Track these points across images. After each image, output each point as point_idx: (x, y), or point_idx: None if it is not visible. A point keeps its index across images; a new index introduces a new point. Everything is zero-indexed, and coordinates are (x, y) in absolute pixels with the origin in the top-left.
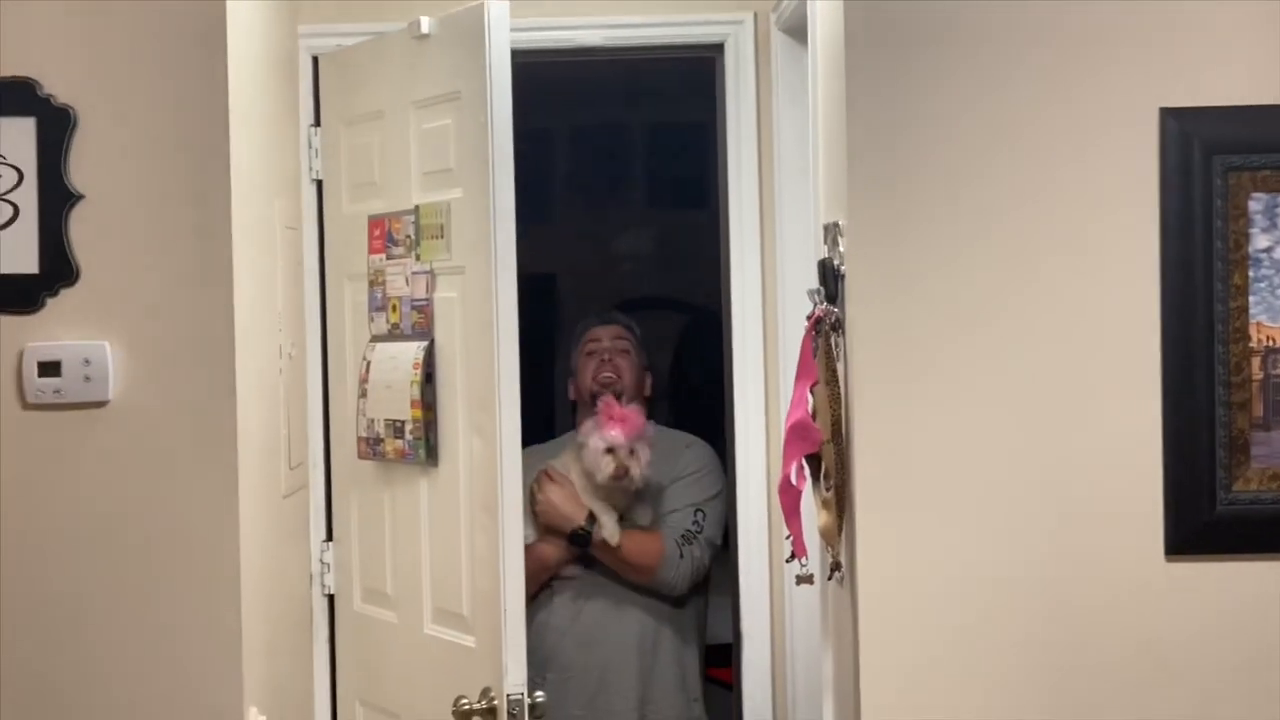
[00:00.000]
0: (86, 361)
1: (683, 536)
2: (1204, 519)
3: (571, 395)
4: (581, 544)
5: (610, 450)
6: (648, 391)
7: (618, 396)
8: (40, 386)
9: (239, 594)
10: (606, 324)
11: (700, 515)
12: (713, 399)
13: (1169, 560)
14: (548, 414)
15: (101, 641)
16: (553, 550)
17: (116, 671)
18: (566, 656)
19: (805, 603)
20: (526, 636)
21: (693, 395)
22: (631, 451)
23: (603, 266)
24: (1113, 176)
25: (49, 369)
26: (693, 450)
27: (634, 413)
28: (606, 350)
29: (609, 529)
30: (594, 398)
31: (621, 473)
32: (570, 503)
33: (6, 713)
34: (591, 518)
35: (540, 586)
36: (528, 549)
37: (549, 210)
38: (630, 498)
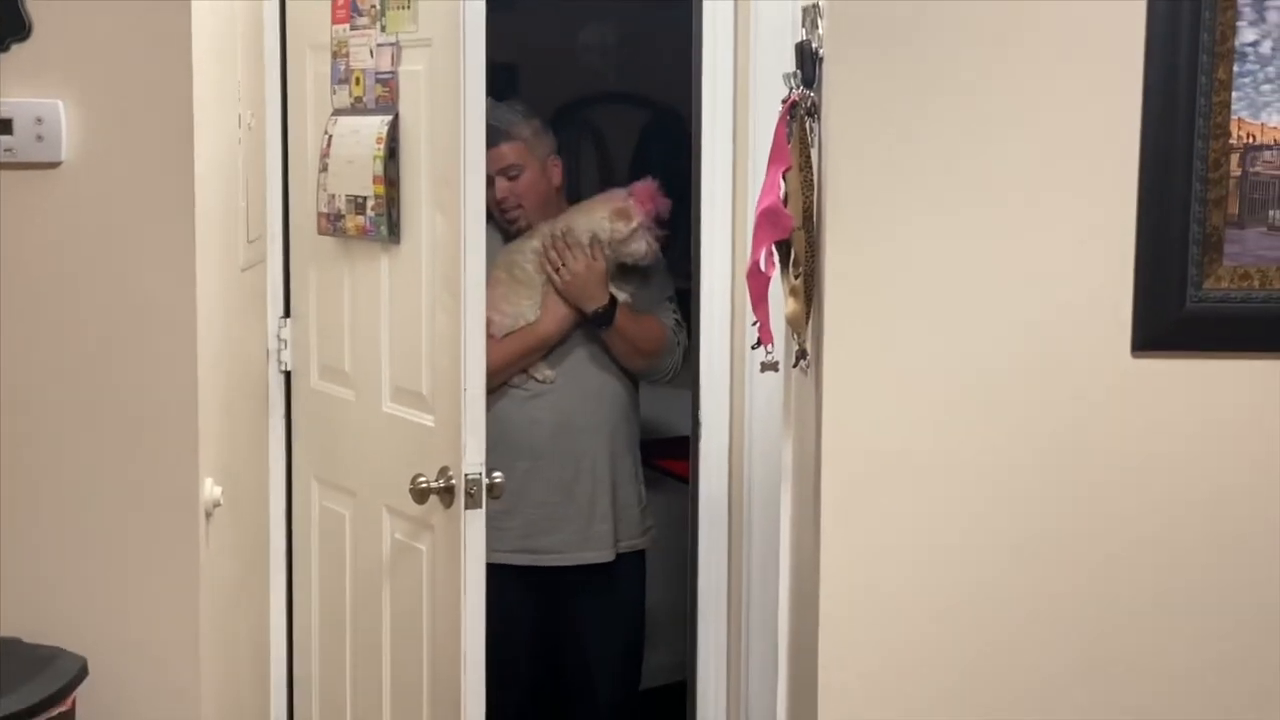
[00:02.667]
0: (39, 120)
1: (675, 324)
2: (1173, 316)
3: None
4: (603, 323)
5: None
6: (557, 180)
7: (519, 222)
8: None
9: (195, 365)
10: (489, 145)
11: (674, 306)
12: (671, 198)
13: (1135, 356)
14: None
15: (54, 412)
16: (556, 329)
17: (70, 442)
18: (541, 445)
19: (764, 393)
20: (499, 427)
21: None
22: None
23: (566, 58)
24: None
25: (1, 126)
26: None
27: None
28: (496, 185)
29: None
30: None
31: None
32: (600, 282)
33: None
34: (613, 300)
35: (515, 374)
36: (528, 327)
37: None
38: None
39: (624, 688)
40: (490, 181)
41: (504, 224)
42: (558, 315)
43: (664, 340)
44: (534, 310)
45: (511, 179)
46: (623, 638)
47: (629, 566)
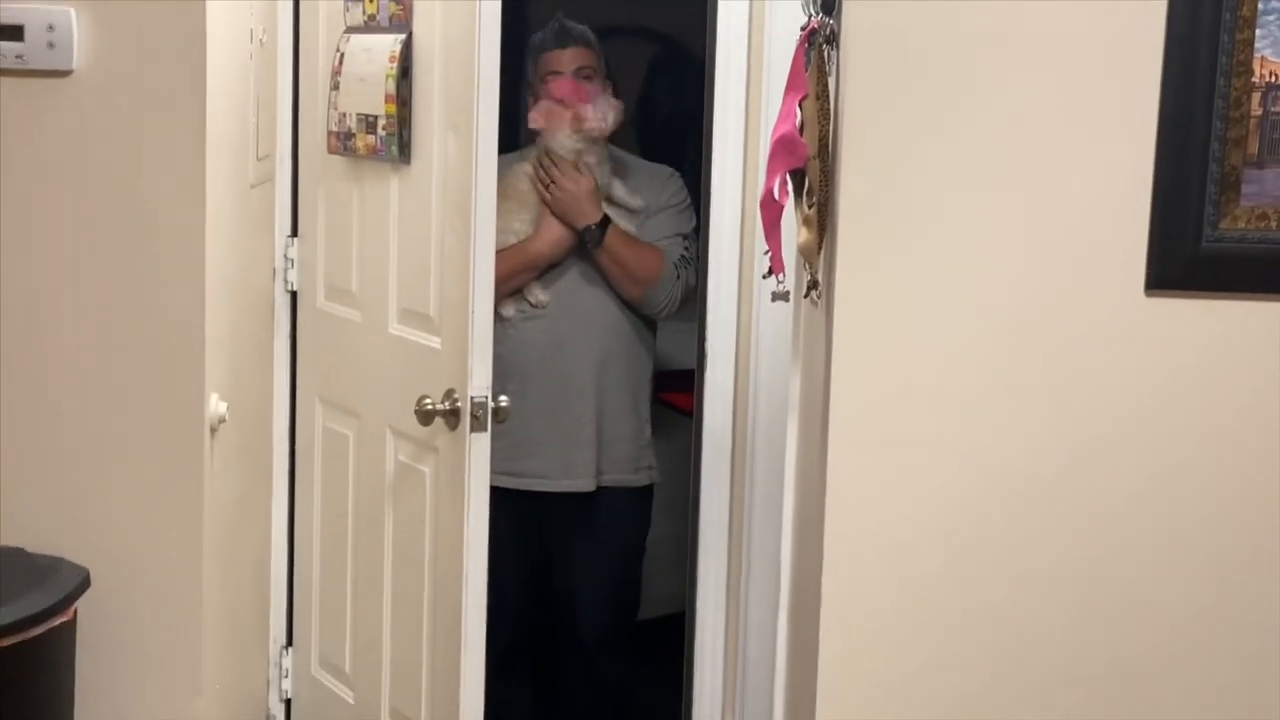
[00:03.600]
0: (50, 27)
1: (679, 260)
2: (1188, 255)
3: (534, 123)
4: (595, 241)
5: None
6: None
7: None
8: (1, 50)
9: (203, 279)
10: (564, 46)
11: (689, 244)
12: (675, 133)
13: (1149, 295)
14: (511, 136)
15: (60, 322)
16: (548, 247)
17: (76, 353)
18: (529, 367)
19: (771, 326)
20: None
21: (660, 129)
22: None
23: None
24: None
25: (11, 33)
26: (674, 181)
27: (580, 86)
28: (569, 79)
29: (622, 223)
30: None
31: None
32: (590, 199)
33: None
34: (605, 219)
35: (509, 294)
36: (519, 245)
37: None
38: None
39: (613, 617)
40: (558, 75)
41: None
42: (551, 235)
43: (659, 270)
44: (527, 228)
45: (586, 79)
46: (609, 570)
47: (619, 501)
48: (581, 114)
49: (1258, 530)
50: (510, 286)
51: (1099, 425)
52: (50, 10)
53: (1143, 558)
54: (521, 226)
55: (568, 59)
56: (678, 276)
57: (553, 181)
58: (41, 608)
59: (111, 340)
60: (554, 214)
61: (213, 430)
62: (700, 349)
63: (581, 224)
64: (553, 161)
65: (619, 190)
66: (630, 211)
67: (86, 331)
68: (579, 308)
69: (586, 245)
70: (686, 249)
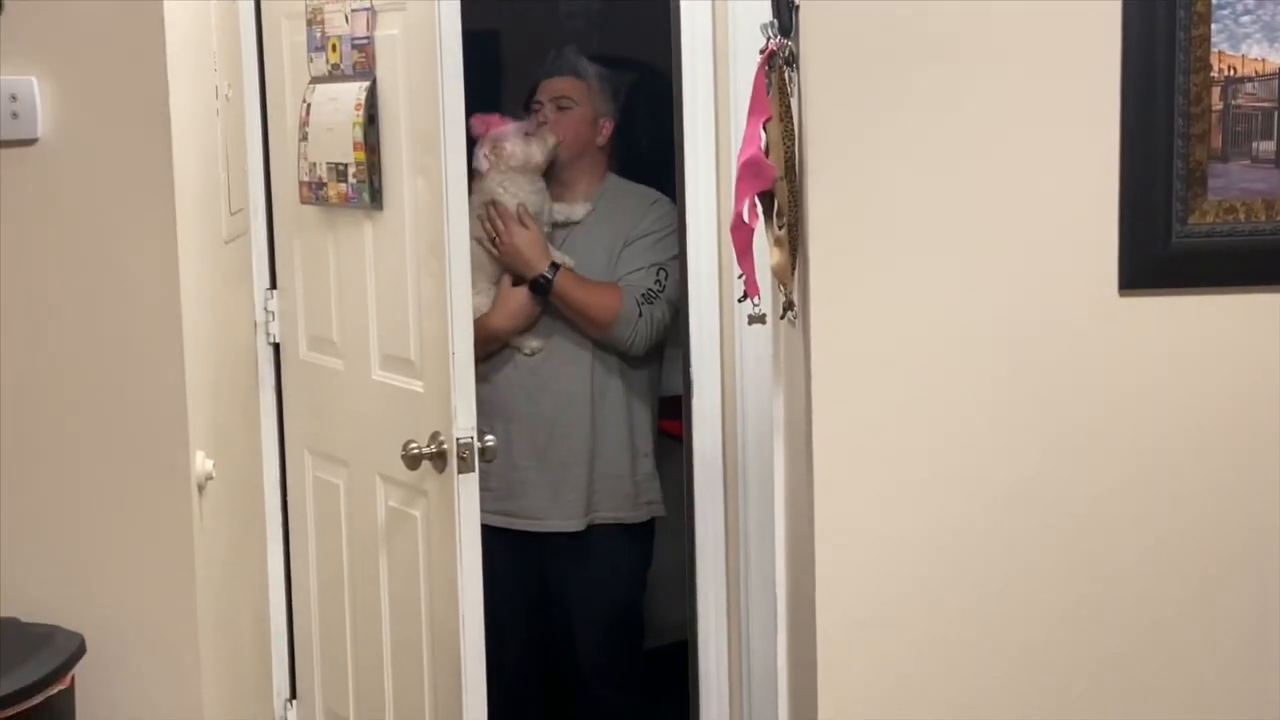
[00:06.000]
0: (14, 97)
1: (644, 295)
2: (1158, 252)
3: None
4: (542, 291)
5: (527, 134)
6: (602, 140)
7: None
8: None
9: (181, 340)
10: (552, 74)
11: (663, 275)
12: (658, 160)
13: (1123, 295)
14: None
15: (42, 391)
16: (509, 320)
17: (59, 421)
18: (516, 407)
19: (755, 349)
20: (477, 388)
21: (642, 156)
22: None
23: (548, 24)
24: None
25: None
26: (658, 208)
27: (493, 117)
28: (545, 109)
29: (534, 155)
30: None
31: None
32: (535, 248)
33: None
34: (554, 266)
35: (496, 352)
36: (481, 320)
37: None
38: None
39: (615, 651)
40: (539, 105)
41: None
42: (509, 307)
43: (616, 309)
44: (486, 300)
45: (560, 109)
46: (607, 606)
47: (614, 538)
48: (499, 148)
49: (1241, 527)
50: (485, 354)
51: (1081, 428)
52: (13, 80)
53: (1126, 558)
54: (480, 300)
55: (550, 87)
56: (639, 314)
57: (497, 236)
58: (38, 677)
59: (93, 407)
60: (506, 270)
61: (200, 488)
62: (686, 377)
63: (530, 275)
64: (497, 213)
65: (558, 211)
66: (574, 223)
67: (68, 400)
68: (566, 349)
69: (536, 294)
70: (659, 280)
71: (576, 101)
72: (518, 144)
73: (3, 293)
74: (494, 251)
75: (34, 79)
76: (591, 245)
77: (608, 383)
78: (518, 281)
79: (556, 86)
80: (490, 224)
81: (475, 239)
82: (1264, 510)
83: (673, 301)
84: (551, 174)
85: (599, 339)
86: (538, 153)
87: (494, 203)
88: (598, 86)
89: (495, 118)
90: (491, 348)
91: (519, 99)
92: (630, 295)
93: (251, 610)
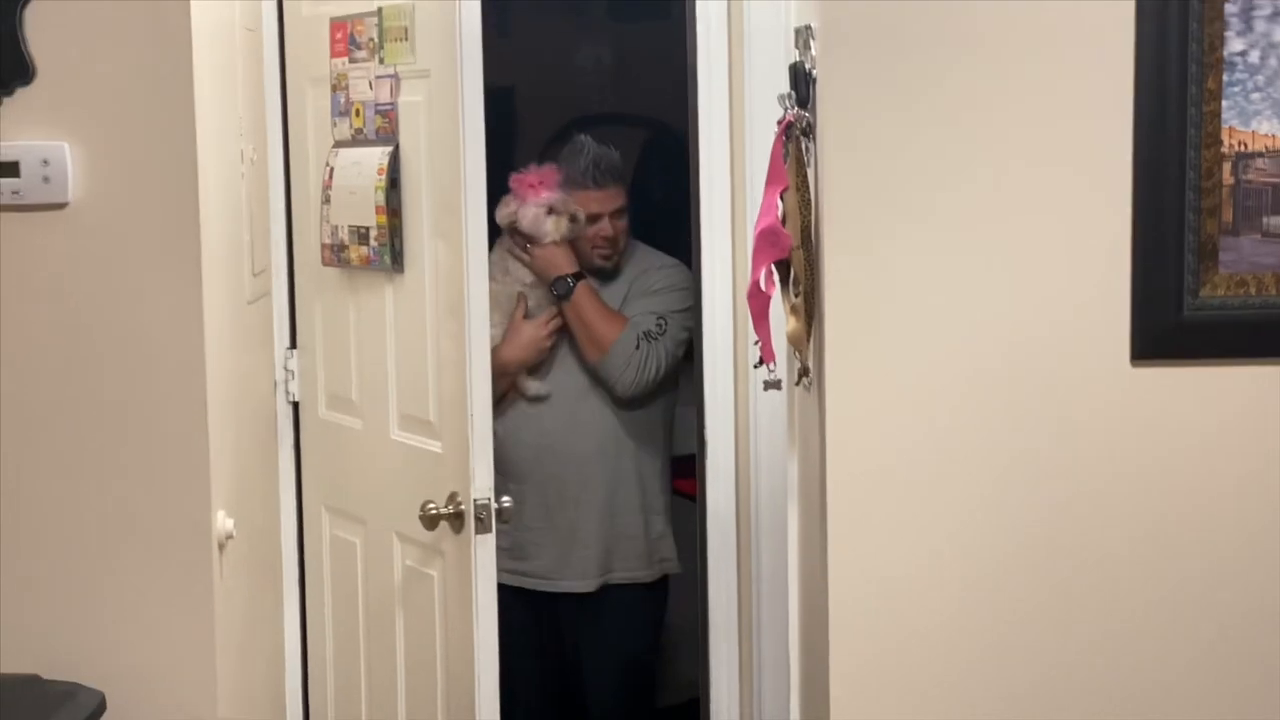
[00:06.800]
0: (45, 162)
1: (644, 333)
2: (1171, 324)
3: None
4: (563, 292)
5: (551, 210)
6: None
7: (612, 260)
8: None
9: (205, 399)
10: (600, 187)
11: (663, 322)
12: (672, 215)
13: (1135, 365)
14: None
15: (67, 449)
16: (520, 351)
17: (84, 478)
18: (525, 468)
19: (769, 410)
20: None
21: (655, 213)
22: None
23: (562, 80)
24: None
25: (7, 169)
26: (665, 270)
27: (546, 171)
28: (606, 225)
29: (551, 228)
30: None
31: (574, 228)
32: (564, 253)
33: None
34: (579, 274)
35: (502, 396)
36: (498, 349)
37: (507, 22)
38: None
39: (626, 710)
40: (596, 218)
41: (598, 262)
42: (521, 338)
43: (617, 338)
44: (497, 331)
45: (617, 218)
46: (619, 664)
47: (627, 596)
48: (546, 195)
49: (1248, 597)
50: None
51: (1093, 497)
52: (45, 146)
53: (1133, 622)
54: (492, 333)
55: (603, 201)
56: (636, 347)
57: (527, 251)
58: None
59: (117, 465)
60: (537, 277)
61: (220, 547)
62: (700, 436)
63: (554, 275)
64: (524, 237)
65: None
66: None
67: (92, 458)
68: (574, 407)
69: (556, 297)
70: (660, 325)
71: (625, 207)
72: (544, 220)
73: (31, 352)
74: (524, 258)
75: (65, 145)
76: (603, 294)
77: (620, 443)
78: (529, 315)
79: (608, 200)
80: (520, 249)
81: (505, 251)
82: (1271, 581)
83: (670, 352)
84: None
85: (594, 362)
86: (557, 225)
87: (517, 230)
88: (624, 188)
89: (533, 176)
90: (500, 385)
91: (533, 153)
92: (633, 329)
93: (268, 667)
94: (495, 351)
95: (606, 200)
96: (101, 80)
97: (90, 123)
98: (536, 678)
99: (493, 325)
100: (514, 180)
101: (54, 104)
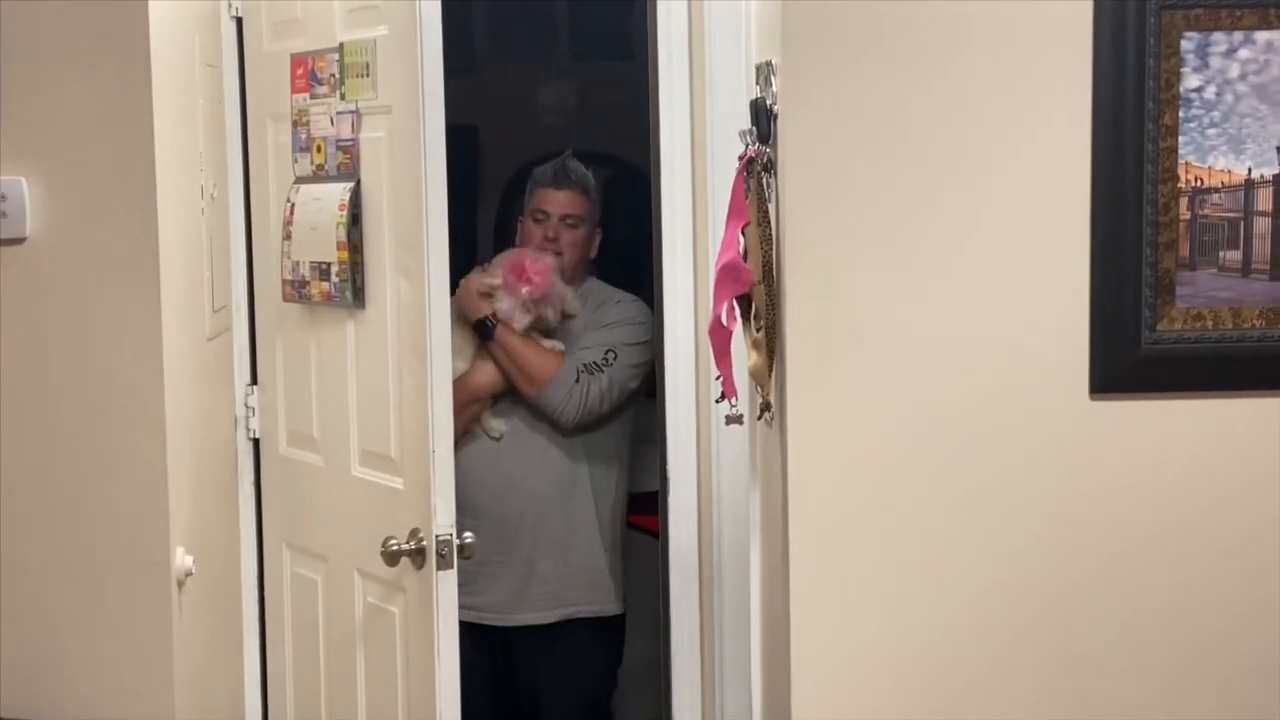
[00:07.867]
0: (3, 197)
1: (585, 366)
2: (1129, 358)
3: (519, 241)
4: (485, 334)
5: (527, 308)
6: (594, 252)
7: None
8: None
9: (164, 436)
10: (560, 187)
11: (611, 355)
12: (633, 253)
13: (1094, 399)
14: (465, 268)
15: (25, 485)
16: (486, 378)
17: (42, 514)
18: (483, 505)
19: (731, 447)
20: None
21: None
22: (545, 299)
23: (526, 120)
24: (1047, 14)
25: None
26: (621, 305)
27: (546, 265)
28: (553, 225)
29: (517, 322)
30: None
31: (541, 324)
32: (473, 295)
33: None
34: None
35: (462, 432)
36: (458, 380)
37: (471, 61)
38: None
39: None
40: (545, 217)
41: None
42: (487, 367)
43: (551, 372)
44: (464, 362)
45: (570, 228)
46: (577, 700)
47: (584, 631)
48: (530, 289)
49: (1206, 627)
50: (460, 422)
51: (1053, 529)
52: (3, 180)
53: (1095, 658)
54: (458, 364)
55: (557, 202)
56: (577, 381)
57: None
58: None
59: (75, 503)
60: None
61: (180, 584)
62: (662, 472)
63: (475, 318)
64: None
65: (570, 303)
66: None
67: (49, 494)
68: (532, 443)
69: (479, 337)
70: (607, 358)
71: (582, 219)
72: (516, 312)
73: None
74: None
75: (23, 179)
76: (560, 334)
77: (577, 479)
78: None
79: (565, 203)
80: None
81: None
82: (1228, 611)
83: (619, 384)
84: None
85: (532, 397)
86: (522, 320)
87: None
88: (595, 199)
89: (537, 265)
90: (469, 412)
91: (496, 192)
92: (573, 363)
93: (228, 706)
94: (464, 378)
95: (560, 202)
96: (60, 114)
97: (49, 157)
98: (492, 713)
99: (461, 357)
100: (513, 264)
101: (12, 138)
